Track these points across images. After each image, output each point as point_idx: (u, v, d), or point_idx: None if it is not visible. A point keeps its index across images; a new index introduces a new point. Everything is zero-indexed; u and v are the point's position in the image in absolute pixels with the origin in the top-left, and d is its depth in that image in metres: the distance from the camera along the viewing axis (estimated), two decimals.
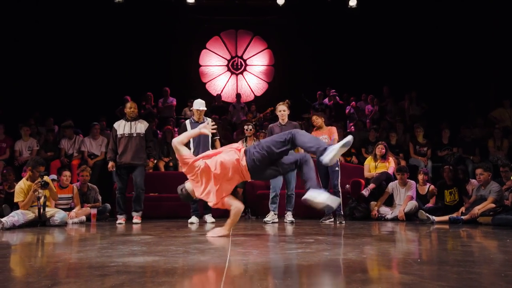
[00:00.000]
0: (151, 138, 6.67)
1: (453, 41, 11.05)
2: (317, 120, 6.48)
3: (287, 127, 6.31)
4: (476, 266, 2.71)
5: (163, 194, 7.58)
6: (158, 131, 9.84)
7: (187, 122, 6.45)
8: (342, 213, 6.34)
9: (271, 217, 6.23)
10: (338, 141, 5.92)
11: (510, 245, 3.73)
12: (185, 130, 6.33)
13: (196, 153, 6.23)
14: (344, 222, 6.18)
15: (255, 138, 7.78)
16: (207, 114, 11.11)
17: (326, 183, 6.28)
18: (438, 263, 2.81)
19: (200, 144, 6.23)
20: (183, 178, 7.95)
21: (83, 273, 2.49)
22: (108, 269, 2.59)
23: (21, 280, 2.34)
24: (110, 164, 6.39)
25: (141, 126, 6.44)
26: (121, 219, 6.25)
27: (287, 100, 6.56)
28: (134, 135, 6.36)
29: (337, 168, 6.19)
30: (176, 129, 9.61)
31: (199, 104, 6.38)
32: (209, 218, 6.32)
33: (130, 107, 6.50)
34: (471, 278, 2.37)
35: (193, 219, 6.20)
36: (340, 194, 6.21)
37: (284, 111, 6.40)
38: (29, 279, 2.35)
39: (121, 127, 6.41)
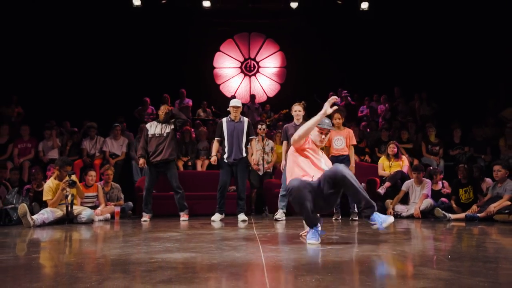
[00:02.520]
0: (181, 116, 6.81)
1: (463, 42, 10.96)
2: (339, 120, 6.40)
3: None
4: (508, 263, 2.69)
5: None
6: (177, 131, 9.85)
7: (224, 120, 6.46)
8: (356, 210, 6.32)
9: (280, 214, 6.24)
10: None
11: None
12: (221, 128, 6.35)
13: (229, 152, 6.24)
14: (357, 219, 6.17)
15: (266, 138, 7.81)
16: (218, 115, 11.24)
17: None
18: (469, 260, 2.80)
19: (234, 144, 6.24)
20: (201, 177, 8.06)
21: (127, 269, 2.50)
22: (150, 265, 2.60)
23: (71, 275, 2.35)
24: (142, 160, 6.45)
25: (171, 127, 6.54)
26: (146, 217, 6.28)
27: (303, 102, 6.59)
28: (165, 135, 6.46)
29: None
30: (193, 130, 9.65)
31: (235, 102, 6.44)
32: (241, 216, 6.29)
33: (162, 110, 6.63)
34: (507, 274, 2.36)
35: (216, 216, 6.21)
36: None
37: (299, 111, 6.41)
38: (77, 274, 2.37)
39: (153, 127, 6.54)
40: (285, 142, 6.45)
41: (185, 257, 2.87)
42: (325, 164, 3.80)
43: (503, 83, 10.64)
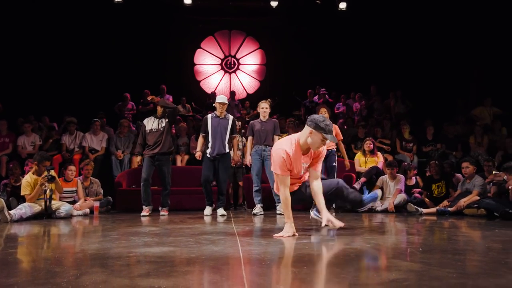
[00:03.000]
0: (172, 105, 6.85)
1: (436, 42, 11.18)
2: (326, 114, 6.35)
3: (267, 124, 6.42)
4: (476, 255, 2.76)
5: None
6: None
7: (209, 116, 6.42)
8: (334, 206, 6.38)
9: (258, 209, 6.27)
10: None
11: (501, 235, 3.80)
12: (206, 124, 6.32)
13: (212, 147, 6.21)
14: (334, 214, 6.20)
15: (239, 135, 7.79)
16: (198, 111, 11.20)
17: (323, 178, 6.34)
18: (440, 252, 2.86)
19: (217, 140, 6.22)
20: (180, 172, 8.00)
21: (106, 263, 2.47)
22: (129, 259, 2.58)
23: (49, 269, 2.31)
24: (139, 158, 6.47)
25: (167, 122, 6.50)
26: (144, 211, 6.19)
27: (269, 99, 6.66)
28: (161, 129, 6.43)
29: (334, 164, 6.26)
30: (173, 125, 9.57)
31: (221, 98, 6.41)
32: (220, 211, 6.26)
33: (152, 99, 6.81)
34: (474, 265, 2.42)
35: (208, 210, 6.20)
36: None
37: (266, 108, 6.48)
38: (55, 269, 2.33)
39: (150, 123, 6.51)
40: (250, 138, 6.51)
41: (163, 251, 2.85)
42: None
43: (474, 83, 10.88)
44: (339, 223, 3.77)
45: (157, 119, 6.50)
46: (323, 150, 3.79)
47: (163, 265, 2.39)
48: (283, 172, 3.61)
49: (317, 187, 3.81)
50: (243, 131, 8.31)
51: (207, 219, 5.62)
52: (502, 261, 2.54)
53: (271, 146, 6.36)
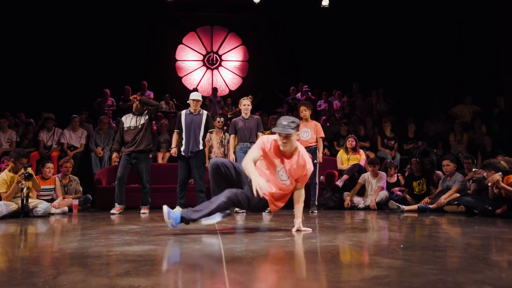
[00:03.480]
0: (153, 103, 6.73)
1: (418, 41, 11.32)
2: (306, 112, 6.43)
3: (250, 121, 6.43)
4: (456, 251, 2.81)
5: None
6: None
7: (182, 113, 6.40)
8: (316, 203, 6.43)
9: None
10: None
11: (480, 231, 3.87)
12: (180, 121, 6.29)
13: (186, 144, 6.18)
14: (316, 211, 6.27)
15: (223, 131, 7.77)
16: (180, 108, 11.10)
17: None
18: (420, 249, 2.89)
19: (190, 137, 6.19)
20: (162, 169, 7.94)
21: (84, 262, 2.43)
22: (108, 258, 2.55)
23: (25, 269, 2.27)
24: (114, 155, 6.41)
25: (145, 118, 6.43)
26: (116, 209, 6.15)
27: (250, 96, 6.70)
28: (139, 126, 6.36)
29: (315, 161, 6.27)
30: (154, 122, 9.48)
31: (195, 95, 6.39)
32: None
33: (137, 104, 6.53)
34: (454, 261, 2.45)
35: (177, 209, 6.14)
36: (317, 186, 6.33)
37: (248, 105, 6.50)
38: (31, 268, 2.28)
39: (128, 120, 6.44)
40: (232, 136, 6.50)
41: (144, 250, 2.82)
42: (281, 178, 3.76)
43: (453, 81, 11.07)
44: (307, 230, 3.81)
45: (135, 116, 6.43)
46: (308, 170, 3.73)
47: (143, 263, 2.36)
48: (258, 150, 3.67)
49: (297, 195, 3.86)
50: (225, 127, 8.29)
51: None
52: (481, 257, 2.58)
53: None
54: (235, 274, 2.13)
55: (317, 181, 6.31)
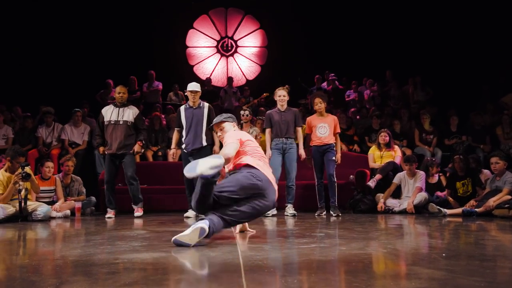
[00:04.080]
0: (143, 126, 6.61)
1: (460, 23, 11.12)
2: (321, 104, 6.47)
3: (287, 114, 6.39)
4: (507, 261, 2.76)
5: (152, 186, 7.55)
6: (144, 118, 9.78)
7: (181, 108, 6.46)
8: (337, 204, 6.41)
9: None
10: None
11: None
12: (179, 117, 6.35)
13: (187, 141, 6.23)
14: (340, 215, 6.25)
15: (251, 125, 7.78)
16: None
17: (321, 174, 6.39)
18: (466, 258, 2.85)
19: (191, 132, 6.24)
20: (173, 168, 8.01)
21: (89, 271, 2.47)
22: (114, 267, 2.58)
23: (24, 278, 2.31)
24: (101, 148, 6.45)
25: (129, 113, 6.40)
26: (110, 213, 6.26)
27: (287, 86, 6.65)
28: (121, 122, 6.34)
29: (333, 158, 6.28)
30: (163, 116, 9.59)
31: (192, 86, 6.39)
32: None
33: (118, 91, 6.47)
34: (505, 273, 2.41)
35: (190, 213, 6.19)
36: (336, 184, 6.34)
37: (284, 96, 6.48)
38: (31, 277, 2.33)
39: (109, 113, 6.40)
40: (268, 130, 6.48)
41: (154, 257, 2.85)
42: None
43: (504, 67, 10.84)
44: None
45: (117, 108, 6.41)
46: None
47: (153, 272, 2.39)
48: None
49: None
50: (255, 118, 8.34)
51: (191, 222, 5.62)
52: None
53: (293, 138, 6.40)
54: (255, 285, 2.13)
55: (335, 180, 6.35)
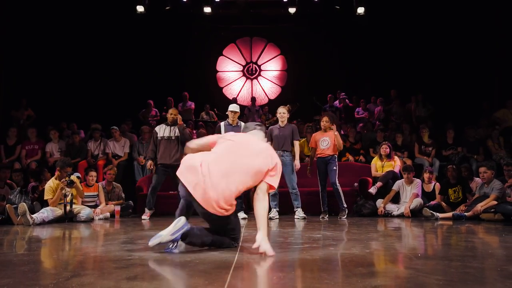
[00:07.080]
0: (188, 138, 6.56)
1: (458, 44, 10.88)
2: (327, 123, 6.45)
3: (285, 129, 6.41)
4: (474, 261, 2.66)
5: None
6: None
7: (222, 124, 6.49)
8: (344, 207, 6.32)
9: (274, 213, 6.28)
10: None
11: (510, 241, 3.65)
12: (220, 131, 6.34)
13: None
14: (345, 217, 6.16)
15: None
16: (221, 117, 11.26)
17: (325, 181, 6.33)
18: (438, 258, 2.78)
19: None
20: None
21: (101, 266, 2.53)
22: (125, 262, 2.62)
23: (45, 272, 2.38)
24: (149, 162, 6.54)
25: (177, 131, 6.51)
26: (146, 214, 6.33)
27: (288, 105, 6.70)
28: (173, 138, 6.45)
29: (335, 168, 6.29)
30: (194, 131, 9.70)
31: (233, 107, 6.49)
32: (240, 215, 6.18)
33: (170, 113, 6.61)
34: (467, 272, 2.33)
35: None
36: (340, 190, 6.26)
37: (284, 113, 6.51)
38: (51, 271, 2.39)
39: (162, 130, 6.53)
40: (269, 143, 6.49)
41: (162, 255, 2.87)
42: None
43: (498, 84, 10.53)
44: (270, 252, 2.86)
45: (168, 126, 6.53)
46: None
47: (152, 268, 2.41)
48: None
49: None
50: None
51: None
52: (498, 268, 2.45)
53: (289, 151, 6.40)
54: (237, 280, 2.13)
55: (338, 186, 6.29)
